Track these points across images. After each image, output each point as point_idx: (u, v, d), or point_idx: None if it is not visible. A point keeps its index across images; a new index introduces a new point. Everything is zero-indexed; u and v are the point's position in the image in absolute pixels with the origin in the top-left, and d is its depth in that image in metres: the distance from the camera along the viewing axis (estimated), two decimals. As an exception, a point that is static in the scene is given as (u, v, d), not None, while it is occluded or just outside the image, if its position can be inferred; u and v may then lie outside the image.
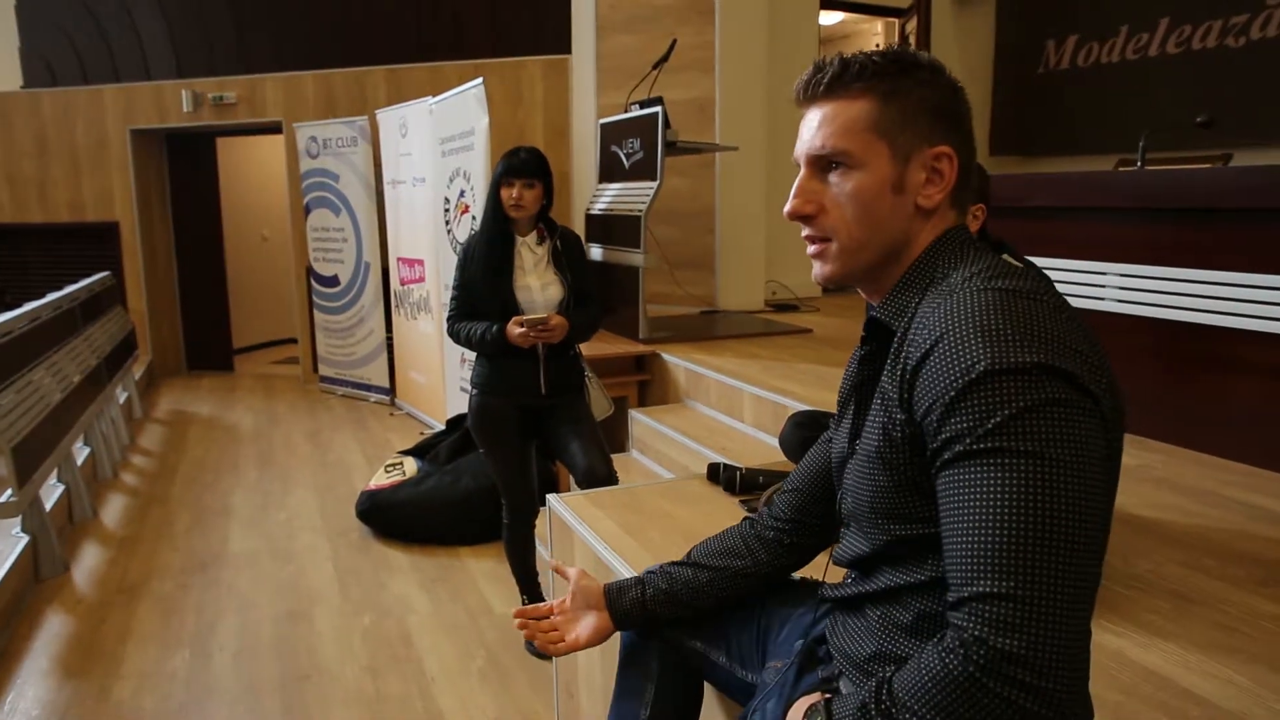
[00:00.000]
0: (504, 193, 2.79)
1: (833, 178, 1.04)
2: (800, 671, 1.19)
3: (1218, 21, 5.32)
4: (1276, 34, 5.07)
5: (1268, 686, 1.45)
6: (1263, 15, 5.11)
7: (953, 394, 0.89)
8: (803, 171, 1.07)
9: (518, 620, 1.46)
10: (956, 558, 0.88)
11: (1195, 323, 2.60)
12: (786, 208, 1.07)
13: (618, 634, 1.53)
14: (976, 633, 0.83)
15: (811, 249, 1.08)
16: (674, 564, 1.46)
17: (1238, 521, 2.13)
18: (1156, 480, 2.41)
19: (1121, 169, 4.64)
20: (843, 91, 1.03)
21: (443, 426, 5.04)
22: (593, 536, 2.09)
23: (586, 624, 1.43)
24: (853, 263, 1.06)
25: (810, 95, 1.06)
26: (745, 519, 1.46)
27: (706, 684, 1.53)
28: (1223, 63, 5.31)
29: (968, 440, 0.87)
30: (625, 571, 1.89)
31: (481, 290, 2.84)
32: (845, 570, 1.17)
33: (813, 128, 1.05)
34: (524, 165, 2.79)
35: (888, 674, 0.92)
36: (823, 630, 1.21)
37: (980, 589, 0.84)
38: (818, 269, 1.08)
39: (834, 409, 1.22)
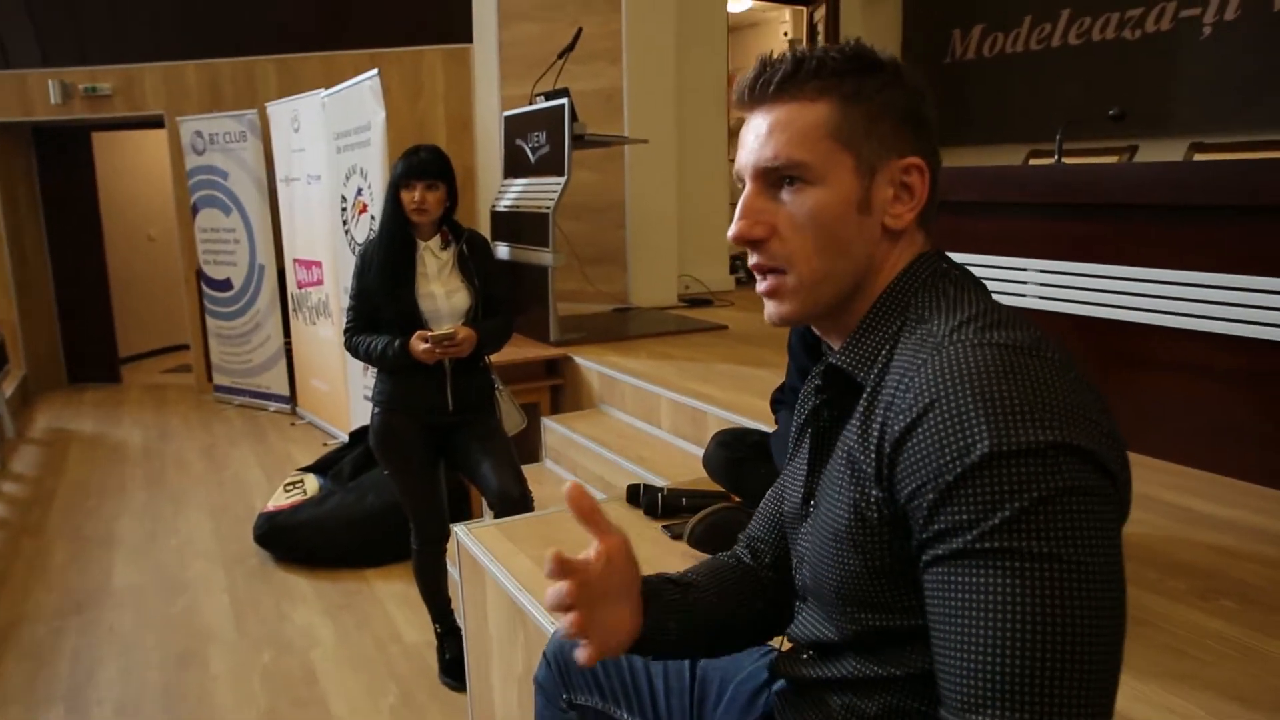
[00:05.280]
0: (404, 195, 2.59)
1: (786, 195, 0.87)
2: (745, 759, 1.05)
3: (1115, 14, 5.41)
4: (1169, 27, 5.17)
5: (1223, 715, 1.37)
6: (1156, 9, 5.21)
7: (949, 478, 0.74)
8: (749, 187, 0.89)
9: (561, 589, 0.89)
10: (956, 674, 0.74)
11: (1119, 319, 2.56)
12: (732, 231, 0.89)
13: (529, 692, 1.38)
14: None
15: (763, 285, 0.90)
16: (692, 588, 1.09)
17: (1173, 527, 2.09)
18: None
19: (1034, 161, 4.66)
20: (797, 92, 0.86)
21: (346, 437, 4.78)
22: (505, 577, 1.92)
23: (618, 619, 0.94)
24: (813, 299, 0.88)
25: (757, 96, 0.89)
26: (733, 553, 1.17)
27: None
28: (1121, 55, 5.40)
29: (969, 536, 0.73)
30: (542, 617, 1.72)
31: (381, 300, 2.63)
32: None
33: (761, 135, 0.88)
34: (425, 166, 2.58)
35: None
36: (770, 708, 1.07)
37: (988, 717, 0.71)
38: (772, 309, 0.90)
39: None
